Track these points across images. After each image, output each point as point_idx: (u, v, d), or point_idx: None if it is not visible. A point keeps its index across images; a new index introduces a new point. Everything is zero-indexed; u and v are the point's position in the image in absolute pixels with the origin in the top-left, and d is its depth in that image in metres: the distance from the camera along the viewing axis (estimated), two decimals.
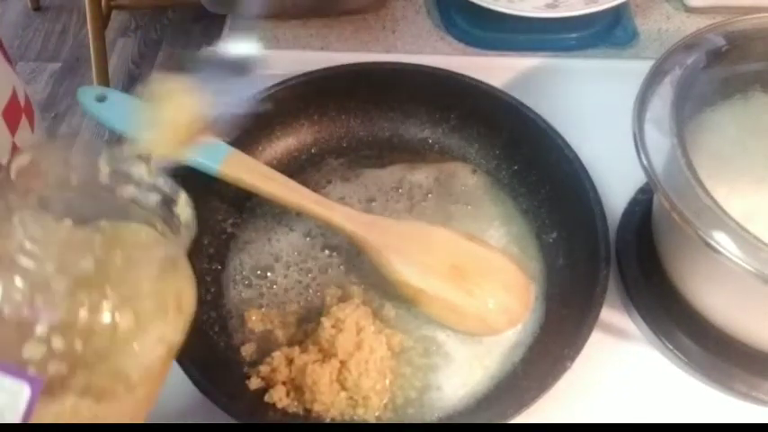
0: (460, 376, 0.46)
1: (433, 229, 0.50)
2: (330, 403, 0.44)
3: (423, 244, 0.49)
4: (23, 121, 0.52)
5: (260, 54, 0.58)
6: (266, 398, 0.44)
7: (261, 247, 0.52)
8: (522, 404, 0.41)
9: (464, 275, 0.48)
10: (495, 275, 0.48)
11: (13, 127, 0.51)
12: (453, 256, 0.48)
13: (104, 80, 1.53)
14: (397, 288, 0.48)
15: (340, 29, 0.66)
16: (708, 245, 0.37)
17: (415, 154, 0.56)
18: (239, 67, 0.41)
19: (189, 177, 0.50)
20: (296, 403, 0.44)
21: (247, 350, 0.47)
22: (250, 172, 0.49)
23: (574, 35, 0.63)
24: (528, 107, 0.52)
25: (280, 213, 0.53)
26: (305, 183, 0.51)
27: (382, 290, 0.49)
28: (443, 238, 0.49)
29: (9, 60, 0.53)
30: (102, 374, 0.29)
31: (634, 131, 0.41)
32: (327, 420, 0.44)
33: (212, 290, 0.49)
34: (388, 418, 0.44)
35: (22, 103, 0.52)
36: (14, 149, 0.51)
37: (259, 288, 0.50)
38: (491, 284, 0.48)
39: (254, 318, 0.48)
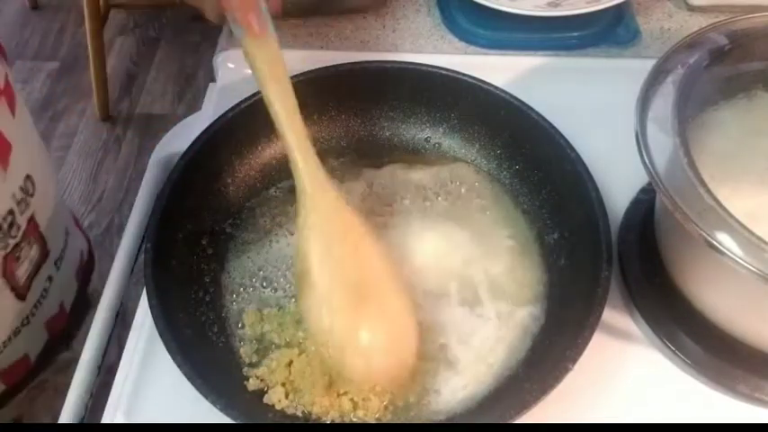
0: (462, 378, 0.45)
1: (367, 238, 0.45)
2: (329, 405, 0.44)
3: (349, 241, 0.45)
4: (3, 103, 0.51)
5: None
6: (265, 399, 0.44)
7: (260, 248, 0.51)
8: (524, 406, 0.40)
9: (364, 299, 0.43)
10: (388, 321, 0.44)
11: None
12: (368, 276, 0.44)
13: (102, 79, 1.52)
14: (295, 258, 0.45)
15: (340, 28, 0.66)
16: (710, 245, 0.37)
17: (415, 154, 0.56)
18: None
19: (188, 178, 0.50)
20: (295, 404, 0.44)
21: (246, 351, 0.46)
22: (269, 63, 0.45)
23: (575, 34, 0.63)
24: (529, 106, 0.52)
25: (279, 215, 0.53)
26: None
27: None
28: (371, 253, 0.45)
29: None
30: None
31: (636, 131, 0.41)
32: (327, 422, 0.43)
33: (211, 290, 0.49)
34: (389, 420, 0.44)
35: (2, 85, 0.52)
36: None
37: (258, 289, 0.49)
38: (380, 325, 0.44)
39: (252, 319, 0.48)
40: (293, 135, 0.45)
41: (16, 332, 0.57)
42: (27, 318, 0.58)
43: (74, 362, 0.49)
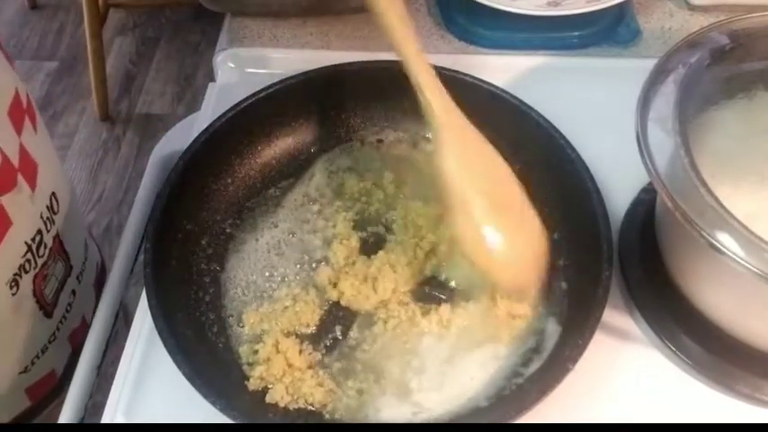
0: (462, 378, 0.45)
1: (500, 159, 0.46)
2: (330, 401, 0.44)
3: (485, 157, 0.46)
4: (27, 122, 0.52)
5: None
6: (267, 399, 0.44)
7: (260, 247, 0.51)
8: (524, 407, 0.40)
9: (505, 209, 0.45)
10: (527, 231, 0.46)
11: (18, 127, 0.50)
12: (505, 192, 0.46)
13: (102, 79, 1.52)
14: (441, 187, 0.45)
15: (340, 27, 0.66)
16: (711, 245, 0.37)
17: (415, 153, 0.56)
18: None
19: (187, 178, 0.50)
20: (296, 398, 0.44)
21: (246, 351, 0.46)
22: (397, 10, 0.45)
23: (576, 33, 0.63)
24: (530, 106, 0.52)
25: (279, 214, 0.53)
26: (304, 182, 0.51)
27: None
28: (507, 174, 0.46)
29: (9, 60, 0.52)
30: None
31: (637, 131, 0.41)
32: (326, 415, 0.44)
33: (211, 290, 0.49)
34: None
35: (25, 103, 0.52)
36: (22, 151, 0.50)
37: (258, 289, 0.49)
38: (524, 237, 0.45)
39: (252, 319, 0.48)
40: (421, 69, 0.45)
41: (44, 349, 0.58)
42: (54, 334, 0.58)
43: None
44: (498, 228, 0.44)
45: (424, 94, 0.45)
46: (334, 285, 0.49)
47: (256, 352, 0.46)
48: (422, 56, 0.45)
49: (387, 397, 0.45)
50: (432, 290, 0.49)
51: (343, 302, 0.48)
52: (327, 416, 0.44)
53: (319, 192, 0.54)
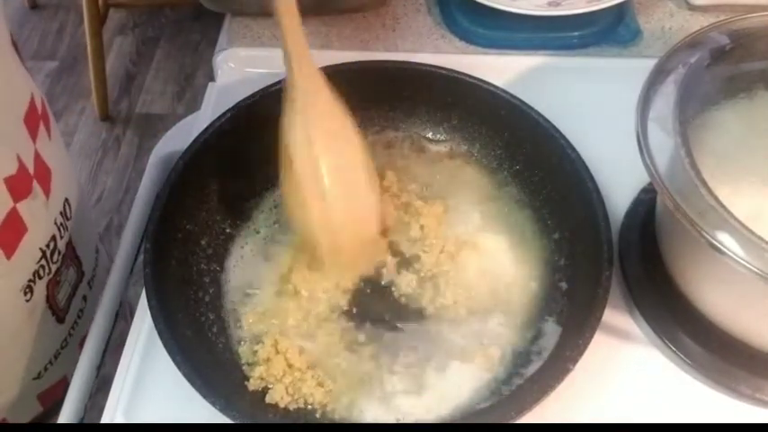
0: (462, 378, 0.45)
1: (351, 134, 0.48)
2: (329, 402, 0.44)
3: (331, 126, 0.47)
4: (42, 128, 0.52)
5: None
6: (267, 399, 0.44)
7: (259, 247, 0.51)
8: (524, 407, 0.40)
9: (336, 183, 0.46)
10: (355, 205, 0.47)
11: (33, 134, 0.50)
12: (343, 162, 0.47)
13: (102, 79, 1.52)
14: (282, 143, 0.47)
15: (340, 27, 0.66)
16: (711, 245, 0.37)
17: (415, 154, 0.56)
18: None
19: (187, 178, 0.49)
20: (296, 398, 0.44)
21: (245, 351, 0.46)
22: None
23: (576, 33, 0.63)
24: (530, 106, 0.52)
25: (279, 214, 0.52)
26: None
27: None
28: (353, 149, 0.48)
29: (26, 66, 0.52)
30: None
31: (637, 131, 0.41)
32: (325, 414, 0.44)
33: (211, 291, 0.49)
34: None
35: (40, 110, 0.52)
36: (37, 157, 0.50)
37: (257, 289, 0.49)
38: (346, 208, 0.47)
39: (252, 319, 0.48)
40: (292, 31, 0.45)
41: (57, 355, 0.58)
42: (65, 339, 0.59)
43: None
44: (321, 196, 0.45)
45: (287, 54, 0.45)
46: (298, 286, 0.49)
47: (256, 352, 0.46)
48: (297, 21, 0.45)
49: (376, 398, 0.45)
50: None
51: (304, 303, 0.48)
52: (327, 416, 0.44)
53: None
